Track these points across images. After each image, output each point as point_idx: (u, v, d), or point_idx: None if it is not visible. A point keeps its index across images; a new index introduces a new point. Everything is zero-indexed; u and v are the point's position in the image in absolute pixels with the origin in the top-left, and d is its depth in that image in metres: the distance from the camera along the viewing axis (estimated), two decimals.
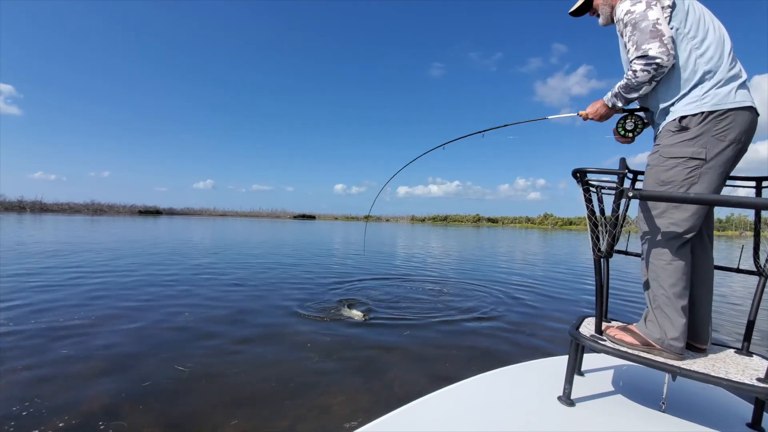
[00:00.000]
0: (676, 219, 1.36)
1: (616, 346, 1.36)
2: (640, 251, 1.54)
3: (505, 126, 2.13)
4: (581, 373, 1.70)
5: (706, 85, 1.36)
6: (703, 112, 1.35)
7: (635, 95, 1.47)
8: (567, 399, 1.39)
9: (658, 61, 1.34)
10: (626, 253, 1.77)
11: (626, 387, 1.61)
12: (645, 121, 1.60)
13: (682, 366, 1.25)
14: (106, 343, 3.12)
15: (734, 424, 1.39)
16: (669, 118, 1.42)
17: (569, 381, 1.39)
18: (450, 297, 5.50)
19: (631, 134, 1.61)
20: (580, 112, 1.69)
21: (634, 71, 1.40)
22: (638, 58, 1.38)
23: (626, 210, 1.69)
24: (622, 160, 1.49)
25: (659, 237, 1.39)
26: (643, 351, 1.36)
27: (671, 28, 1.39)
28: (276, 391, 2.40)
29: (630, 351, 1.33)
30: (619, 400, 1.47)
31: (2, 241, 11.00)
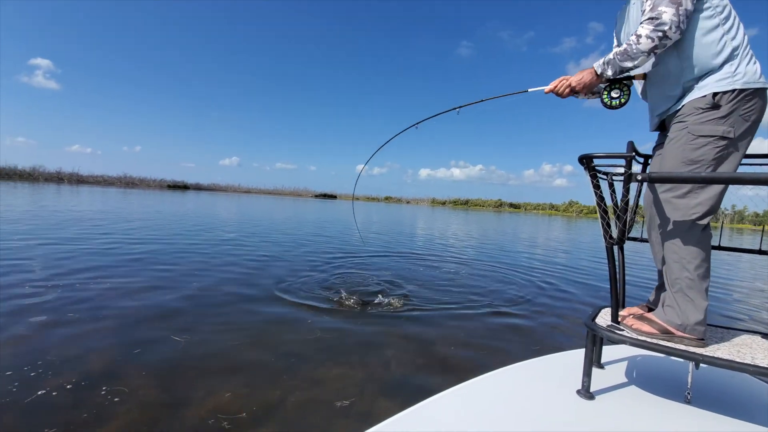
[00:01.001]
0: (702, 199, 1.33)
1: (634, 336, 1.32)
2: (651, 235, 1.51)
3: (481, 101, 2.01)
4: (601, 366, 1.65)
5: (735, 62, 1.32)
6: (734, 90, 1.30)
7: (629, 65, 1.41)
8: (586, 392, 1.36)
9: (666, 29, 1.29)
10: (642, 240, 1.69)
11: (649, 378, 1.56)
12: (630, 89, 1.53)
13: (705, 353, 1.21)
14: (127, 307, 3.28)
15: (765, 412, 1.35)
16: (697, 94, 1.35)
17: (587, 374, 1.36)
18: (448, 277, 5.47)
19: (616, 102, 1.53)
20: (563, 82, 1.59)
21: (638, 36, 1.34)
22: (649, 20, 1.31)
23: (639, 195, 1.63)
24: (630, 144, 1.44)
25: (684, 218, 1.35)
26: (663, 339, 1.32)
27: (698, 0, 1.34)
28: (272, 363, 2.46)
29: (649, 340, 1.29)
30: (642, 392, 1.43)
31: (60, 207, 11.66)
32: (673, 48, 1.38)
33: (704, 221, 1.35)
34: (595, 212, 1.36)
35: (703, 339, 1.31)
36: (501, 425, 1.19)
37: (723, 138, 1.31)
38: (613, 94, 1.54)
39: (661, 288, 1.56)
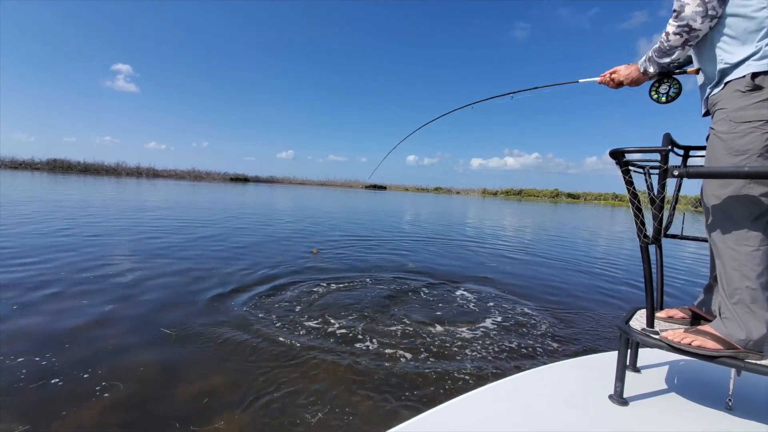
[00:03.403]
0: (757, 194, 1.16)
1: (673, 341, 1.21)
2: (705, 236, 1.35)
3: (535, 88, 2.01)
4: (637, 370, 1.56)
5: None
6: None
7: (667, 60, 1.35)
8: (619, 398, 1.29)
9: (689, 22, 1.22)
10: (682, 237, 1.57)
11: (687, 383, 1.48)
12: (679, 84, 1.48)
13: (747, 360, 1.13)
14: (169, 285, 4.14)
15: None
16: (735, 74, 1.22)
17: (620, 378, 1.29)
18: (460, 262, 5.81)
19: (664, 98, 1.46)
20: (613, 75, 1.56)
21: (667, 33, 1.29)
22: (673, 14, 1.26)
23: (678, 190, 1.57)
24: (666, 136, 1.35)
25: (739, 219, 1.19)
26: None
27: None
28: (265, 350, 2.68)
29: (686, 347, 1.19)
30: (679, 398, 1.35)
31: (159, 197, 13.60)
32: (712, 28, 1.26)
33: (763, 221, 1.18)
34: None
35: (761, 352, 1.16)
36: (528, 427, 1.16)
37: None
38: (661, 90, 1.47)
39: (711, 290, 1.44)
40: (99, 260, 4.63)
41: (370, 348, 2.65)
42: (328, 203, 20.85)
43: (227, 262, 4.99)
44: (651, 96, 1.50)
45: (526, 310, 3.74)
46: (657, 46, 1.35)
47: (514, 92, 2.05)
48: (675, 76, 1.47)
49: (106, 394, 1.94)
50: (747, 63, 1.20)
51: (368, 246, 6.95)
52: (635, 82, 1.51)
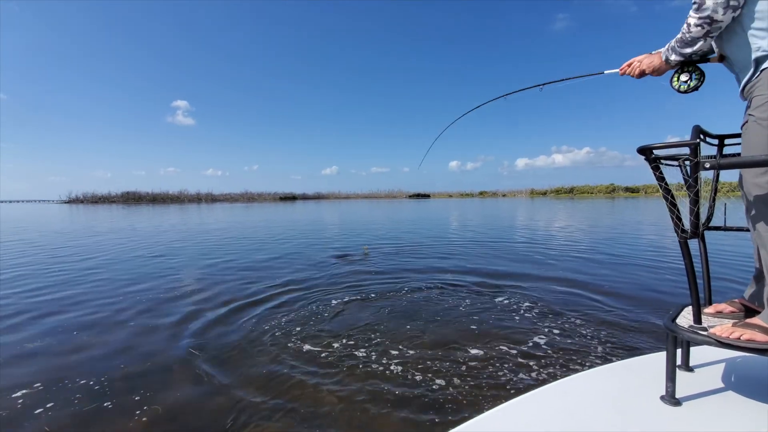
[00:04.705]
0: None
1: (720, 336, 1.18)
2: (748, 226, 1.31)
3: (562, 80, 2.06)
4: (690, 369, 1.52)
5: None
6: None
7: (689, 51, 1.36)
8: (671, 398, 1.27)
9: (709, 14, 1.22)
10: (725, 228, 1.53)
11: (743, 381, 1.43)
12: (701, 73, 1.46)
13: None
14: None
15: None
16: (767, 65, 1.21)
17: (671, 378, 1.27)
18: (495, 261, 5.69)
19: (685, 86, 1.46)
20: (635, 65, 1.56)
21: (688, 24, 1.29)
22: (694, 8, 1.26)
23: (716, 180, 1.55)
24: (696, 128, 1.34)
25: None
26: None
27: None
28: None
29: (739, 343, 1.16)
30: (736, 397, 1.31)
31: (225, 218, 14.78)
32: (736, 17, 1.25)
33: None
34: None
35: None
36: (579, 429, 1.16)
37: None
38: (683, 78, 1.46)
39: (759, 280, 1.40)
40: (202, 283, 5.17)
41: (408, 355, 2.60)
42: (374, 214, 21.21)
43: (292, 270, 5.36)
44: (672, 85, 1.49)
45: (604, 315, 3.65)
46: (679, 36, 1.35)
47: (543, 84, 2.11)
48: (698, 65, 1.45)
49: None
50: None
51: (421, 252, 7.07)
52: (657, 71, 1.51)
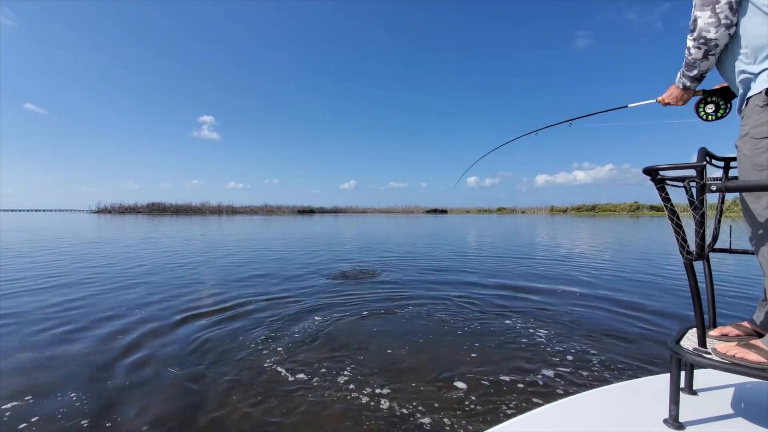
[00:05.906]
0: None
1: (725, 360, 1.18)
2: (752, 249, 1.32)
3: (589, 115, 2.12)
4: (694, 392, 1.51)
5: None
6: None
7: (695, 73, 1.37)
8: (674, 421, 1.26)
9: (703, 34, 1.25)
10: (730, 251, 1.53)
11: (749, 405, 1.43)
12: (727, 101, 1.49)
13: None
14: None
15: None
16: (755, 89, 1.22)
17: (674, 401, 1.26)
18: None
19: (713, 117, 1.50)
20: (659, 98, 1.59)
21: (688, 48, 1.31)
22: (690, 30, 1.29)
23: (722, 202, 1.55)
24: (702, 151, 1.35)
25: None
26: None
27: None
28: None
29: (745, 365, 1.16)
30: (740, 421, 1.30)
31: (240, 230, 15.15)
32: (730, 40, 1.27)
33: None
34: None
35: None
36: None
37: None
38: (708, 109, 1.50)
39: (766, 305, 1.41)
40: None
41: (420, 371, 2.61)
42: (392, 228, 21.25)
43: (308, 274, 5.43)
44: (699, 114, 1.53)
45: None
46: (684, 61, 1.38)
47: (572, 119, 2.19)
48: (720, 95, 1.49)
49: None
50: (761, 76, 1.20)
51: (443, 268, 7.05)
52: (679, 99, 1.51)
